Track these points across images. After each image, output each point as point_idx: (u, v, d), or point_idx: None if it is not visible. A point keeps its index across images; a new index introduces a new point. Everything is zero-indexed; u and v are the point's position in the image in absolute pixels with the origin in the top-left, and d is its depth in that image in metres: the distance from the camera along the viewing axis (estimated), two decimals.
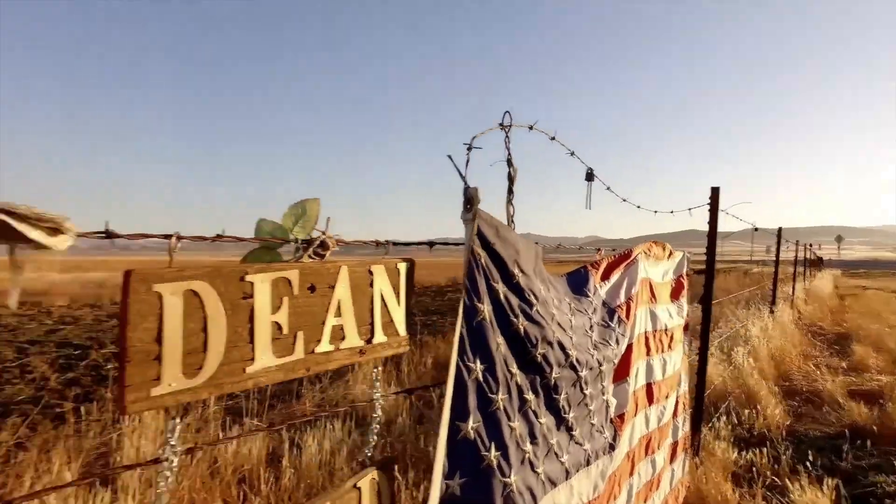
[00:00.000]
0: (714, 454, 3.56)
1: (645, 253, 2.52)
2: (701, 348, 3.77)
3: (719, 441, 3.75)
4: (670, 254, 2.88)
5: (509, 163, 1.52)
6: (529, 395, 1.51)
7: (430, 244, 1.35)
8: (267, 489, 2.36)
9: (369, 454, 1.17)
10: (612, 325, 2.04)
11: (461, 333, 1.30)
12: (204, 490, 2.30)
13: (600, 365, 1.85)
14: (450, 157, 1.27)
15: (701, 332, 3.78)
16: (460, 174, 1.26)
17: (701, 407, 3.74)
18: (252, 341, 0.85)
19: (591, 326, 1.93)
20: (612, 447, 2.01)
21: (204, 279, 0.79)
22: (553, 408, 1.63)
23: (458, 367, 1.29)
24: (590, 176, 2.31)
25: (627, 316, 2.15)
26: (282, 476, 2.48)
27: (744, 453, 3.74)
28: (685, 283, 3.01)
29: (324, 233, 0.99)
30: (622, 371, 2.17)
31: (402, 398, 4.02)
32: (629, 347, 2.23)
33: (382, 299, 1.11)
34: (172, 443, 0.78)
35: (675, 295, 2.88)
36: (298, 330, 0.93)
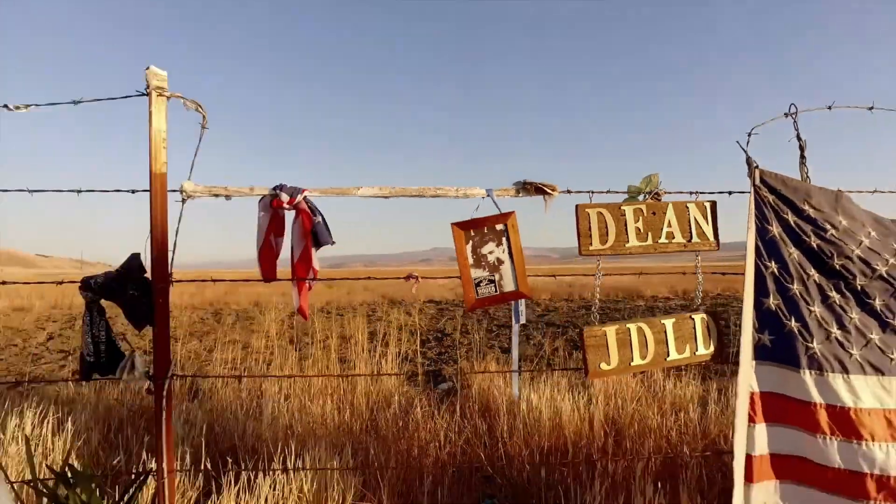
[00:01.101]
0: None
1: None
2: None
3: None
4: None
5: (798, 138, 2.24)
6: (833, 294, 2.13)
7: (730, 193, 2.20)
8: (695, 419, 3.41)
9: (699, 303, 2.14)
10: None
11: (756, 244, 2.12)
12: (649, 408, 3.55)
13: None
14: (738, 142, 2.16)
15: None
16: (743, 149, 2.13)
17: None
18: (627, 234, 2.03)
19: None
20: None
21: (604, 208, 2.02)
22: (869, 311, 2.15)
23: (756, 264, 2.12)
24: None
25: None
26: (707, 415, 3.48)
27: None
28: None
29: (658, 189, 2.08)
30: None
31: None
32: None
33: (696, 220, 2.10)
34: (600, 274, 2.03)
35: None
36: (648, 231, 2.04)
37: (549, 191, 1.96)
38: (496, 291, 1.93)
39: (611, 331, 1.98)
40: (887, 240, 2.25)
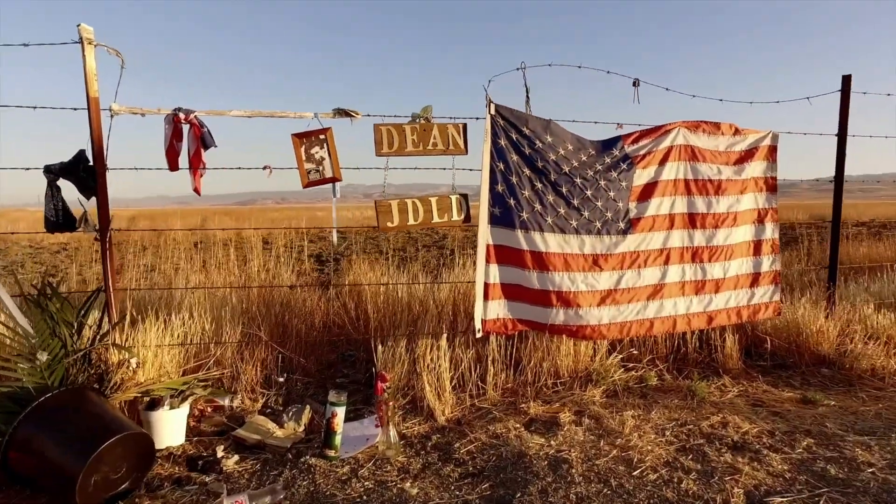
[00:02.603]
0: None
1: (689, 128, 3.86)
2: (833, 222, 4.37)
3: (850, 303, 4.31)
4: (736, 131, 3.99)
5: (525, 86, 3.50)
6: (537, 184, 3.47)
7: (476, 118, 3.46)
8: None
9: (453, 190, 3.43)
10: (622, 165, 3.66)
11: (491, 151, 3.39)
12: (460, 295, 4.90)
13: (597, 180, 3.55)
14: (483, 86, 3.39)
15: (833, 213, 4.37)
16: (485, 89, 3.37)
17: (835, 270, 4.36)
18: (406, 142, 3.23)
19: (603, 163, 3.63)
20: (625, 232, 3.64)
21: (392, 126, 3.21)
22: (560, 194, 3.50)
23: (491, 164, 3.41)
24: (636, 83, 3.90)
25: (640, 161, 3.68)
26: None
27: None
28: (758, 152, 4.01)
29: (429, 115, 3.29)
30: (644, 194, 3.71)
31: None
32: (655, 183, 3.73)
33: (453, 135, 3.34)
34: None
35: (741, 160, 3.98)
36: (421, 141, 3.26)
37: (353, 114, 3.13)
38: (320, 177, 3.11)
39: (394, 203, 3.24)
40: (578, 153, 3.60)
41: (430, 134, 3.30)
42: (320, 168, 3.11)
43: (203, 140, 3.04)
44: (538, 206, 3.47)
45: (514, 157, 3.44)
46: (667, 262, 3.77)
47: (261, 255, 5.62)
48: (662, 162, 3.77)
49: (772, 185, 4.08)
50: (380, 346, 3.46)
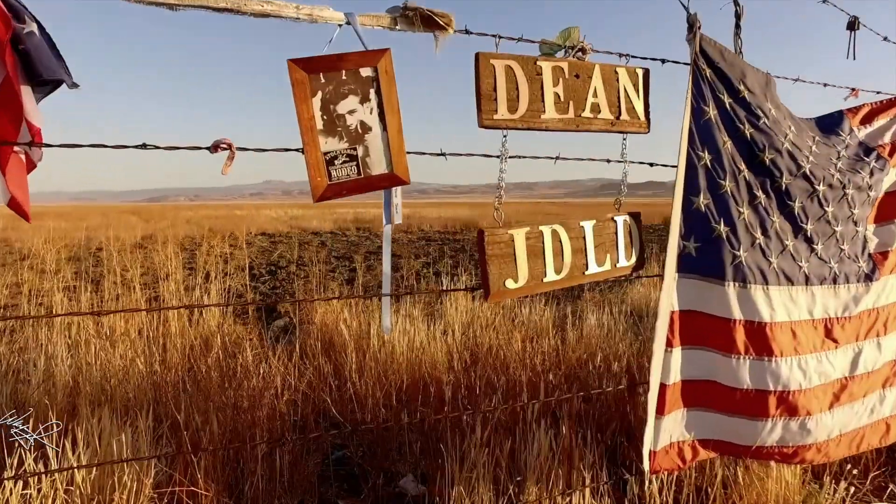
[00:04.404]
0: None
1: None
2: None
3: None
4: None
5: (735, 2, 1.82)
6: (759, 193, 1.81)
7: (663, 61, 1.75)
8: (555, 342, 3.10)
9: (618, 206, 1.69)
10: (868, 160, 2.08)
11: (690, 128, 1.69)
12: (509, 334, 3.17)
13: (844, 187, 1.96)
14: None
15: None
16: (684, 6, 1.65)
17: None
18: (543, 101, 1.45)
19: (839, 156, 2.04)
20: (868, 277, 2.07)
21: (514, 60, 1.41)
22: (787, 214, 1.87)
23: (688, 153, 1.70)
24: (852, 24, 2.34)
25: (890, 155, 2.14)
26: (567, 337, 3.19)
27: None
28: None
29: (583, 43, 1.53)
30: (886, 212, 2.18)
31: None
32: None
33: (626, 90, 1.59)
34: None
35: None
36: (570, 100, 1.49)
37: (442, 23, 1.28)
38: (358, 173, 1.24)
39: (519, 235, 1.43)
40: (803, 135, 1.98)
41: (588, 85, 1.52)
42: (357, 150, 1.24)
43: (29, 60, 1.07)
44: (760, 237, 1.80)
45: (728, 143, 1.75)
46: None
47: (180, 276, 3.54)
48: None
49: None
50: None
